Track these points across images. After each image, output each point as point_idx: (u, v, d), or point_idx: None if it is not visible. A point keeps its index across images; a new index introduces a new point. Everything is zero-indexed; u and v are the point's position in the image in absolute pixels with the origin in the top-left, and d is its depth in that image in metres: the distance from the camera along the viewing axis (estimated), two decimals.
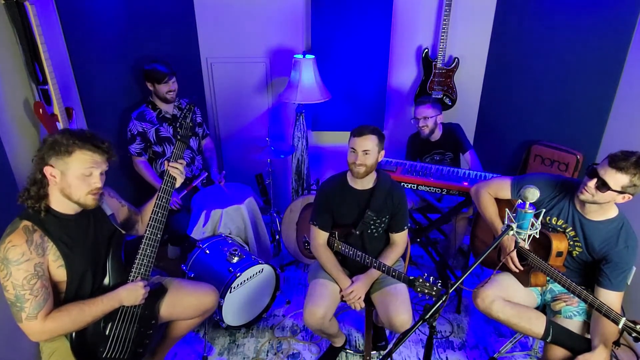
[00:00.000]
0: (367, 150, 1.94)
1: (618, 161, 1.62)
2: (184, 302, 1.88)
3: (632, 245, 1.75)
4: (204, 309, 1.93)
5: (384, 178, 2.10)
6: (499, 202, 2.08)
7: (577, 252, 1.86)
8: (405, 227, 2.14)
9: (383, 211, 2.07)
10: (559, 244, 1.83)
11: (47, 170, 1.45)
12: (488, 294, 1.89)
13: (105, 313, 1.57)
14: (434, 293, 1.68)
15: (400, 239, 2.15)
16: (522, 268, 1.94)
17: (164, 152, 2.81)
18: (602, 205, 1.74)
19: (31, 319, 1.41)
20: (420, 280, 1.71)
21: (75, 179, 1.47)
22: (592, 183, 1.68)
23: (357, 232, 2.09)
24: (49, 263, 1.47)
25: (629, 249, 1.74)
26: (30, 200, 1.46)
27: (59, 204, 1.51)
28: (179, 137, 1.81)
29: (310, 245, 2.22)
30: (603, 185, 1.65)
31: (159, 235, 1.70)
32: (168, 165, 1.75)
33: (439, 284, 1.69)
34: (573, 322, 1.84)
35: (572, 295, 1.92)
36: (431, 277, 1.70)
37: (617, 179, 1.63)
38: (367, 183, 2.08)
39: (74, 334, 1.55)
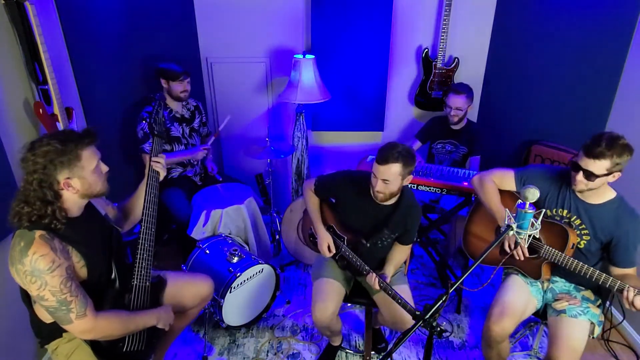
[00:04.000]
0: (387, 180, 1.82)
1: (592, 150, 1.69)
2: (183, 292, 1.94)
3: (637, 222, 1.79)
4: (202, 297, 2.01)
5: (407, 195, 2.01)
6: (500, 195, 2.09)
7: (585, 242, 1.88)
8: (414, 240, 2.12)
9: (397, 228, 2.03)
10: (573, 236, 1.86)
11: (66, 184, 1.43)
12: (500, 333, 1.90)
13: (145, 327, 1.65)
14: (436, 332, 1.61)
15: (409, 246, 2.14)
16: (527, 255, 1.93)
17: (173, 150, 2.82)
18: (597, 189, 1.80)
19: (81, 316, 1.43)
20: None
21: (92, 176, 1.50)
22: (580, 176, 1.75)
23: (368, 245, 2.03)
24: (74, 265, 1.47)
25: (635, 225, 1.78)
26: (48, 218, 1.41)
27: (73, 209, 1.52)
28: (155, 133, 1.84)
29: (303, 187, 2.25)
30: (591, 175, 1.72)
31: (153, 230, 1.75)
32: (150, 161, 1.79)
33: (444, 324, 1.60)
34: (579, 322, 1.83)
35: (572, 294, 1.93)
36: (444, 322, 1.62)
37: (599, 166, 1.69)
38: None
39: None
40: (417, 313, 1.63)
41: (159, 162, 1.80)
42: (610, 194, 1.83)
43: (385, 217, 2.00)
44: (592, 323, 1.85)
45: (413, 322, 1.88)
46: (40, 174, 1.39)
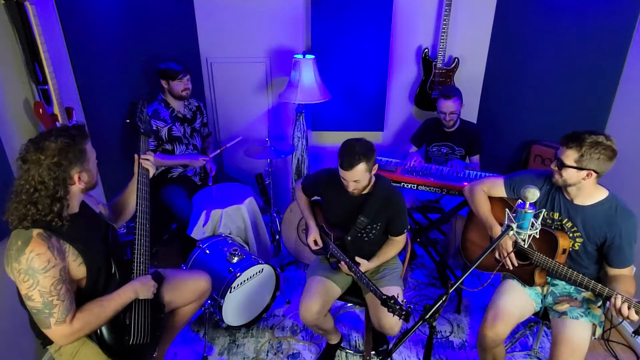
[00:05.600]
0: (357, 180, 1.93)
1: (563, 138, 1.77)
2: (182, 287, 1.97)
3: (631, 220, 1.78)
4: (201, 292, 2.03)
5: (381, 184, 2.07)
6: (491, 202, 2.10)
7: (579, 244, 1.87)
8: (405, 230, 2.13)
9: (377, 218, 2.06)
10: (563, 241, 1.85)
11: (78, 177, 1.49)
12: (494, 338, 1.89)
13: (124, 305, 1.62)
14: (403, 316, 1.64)
15: (400, 238, 2.15)
16: (516, 264, 1.96)
17: (174, 150, 2.83)
18: (580, 188, 1.79)
19: (60, 323, 1.42)
20: (392, 301, 1.68)
21: (93, 168, 1.58)
22: (554, 165, 1.81)
23: (350, 239, 2.09)
24: (69, 264, 1.48)
25: (628, 225, 1.77)
26: (51, 216, 1.43)
27: (74, 204, 1.54)
28: (141, 131, 1.87)
29: (294, 189, 2.36)
30: (562, 165, 1.76)
31: (147, 225, 1.77)
32: (139, 159, 1.82)
33: (410, 308, 1.65)
34: (581, 323, 1.83)
35: (573, 296, 1.94)
36: (404, 300, 1.67)
37: (568, 154, 1.74)
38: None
39: (98, 332, 1.58)
40: (384, 297, 1.66)
41: (148, 160, 1.84)
42: (601, 195, 1.82)
43: (360, 205, 2.05)
44: (593, 324, 1.85)
45: (396, 326, 1.93)
46: (55, 171, 1.42)
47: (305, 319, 2.05)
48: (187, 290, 1.99)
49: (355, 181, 1.93)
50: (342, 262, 2.02)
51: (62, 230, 1.46)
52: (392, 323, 1.93)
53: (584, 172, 1.72)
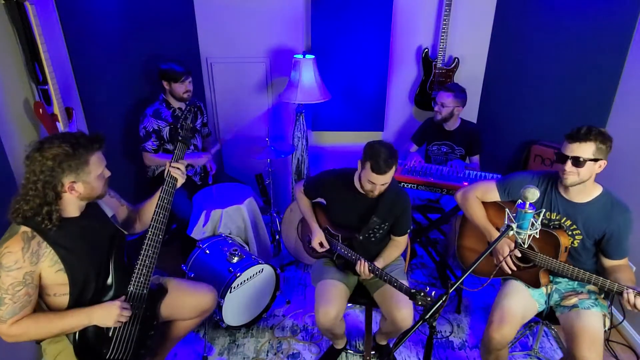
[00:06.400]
0: (386, 183, 1.93)
1: (575, 135, 1.74)
2: (183, 303, 1.89)
3: (627, 214, 1.81)
4: (203, 309, 1.95)
5: (390, 184, 2.05)
6: (485, 206, 2.09)
7: (578, 242, 1.88)
8: (408, 231, 2.14)
9: (387, 217, 2.06)
10: (564, 239, 1.85)
11: (70, 187, 1.45)
12: (501, 340, 1.88)
13: (74, 329, 1.53)
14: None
15: (403, 239, 2.16)
16: (515, 268, 1.96)
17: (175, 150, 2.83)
18: (586, 185, 1.80)
19: (1, 322, 1.41)
20: (422, 294, 1.65)
21: (96, 181, 1.52)
22: (569, 165, 1.75)
23: (361, 238, 2.07)
24: (42, 269, 1.45)
25: (625, 218, 1.80)
26: (41, 217, 1.43)
27: (70, 210, 1.52)
28: (180, 139, 1.80)
29: (294, 191, 2.34)
30: (579, 161, 1.73)
31: (160, 236, 1.68)
32: (169, 166, 1.74)
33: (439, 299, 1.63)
34: (593, 313, 1.83)
35: (579, 290, 1.94)
36: (433, 292, 1.63)
37: (584, 149, 1.72)
38: None
39: (77, 336, 1.54)
40: (413, 291, 1.65)
41: (178, 168, 1.74)
42: (597, 191, 1.84)
43: (372, 205, 2.04)
44: (604, 314, 1.85)
45: (409, 318, 1.93)
46: (46, 175, 1.41)
47: (322, 325, 2.02)
48: (189, 306, 1.91)
49: (383, 184, 1.93)
50: (360, 262, 1.99)
51: (49, 233, 1.44)
52: (405, 315, 1.93)
53: (597, 164, 1.74)
